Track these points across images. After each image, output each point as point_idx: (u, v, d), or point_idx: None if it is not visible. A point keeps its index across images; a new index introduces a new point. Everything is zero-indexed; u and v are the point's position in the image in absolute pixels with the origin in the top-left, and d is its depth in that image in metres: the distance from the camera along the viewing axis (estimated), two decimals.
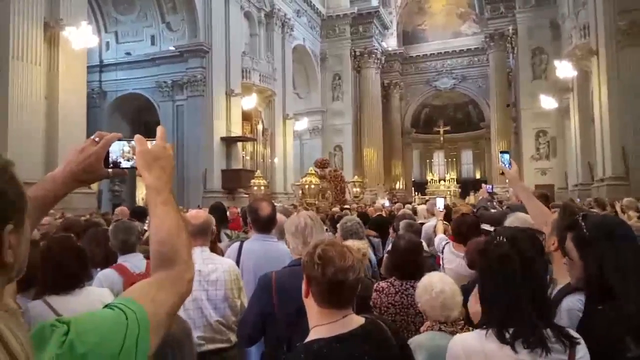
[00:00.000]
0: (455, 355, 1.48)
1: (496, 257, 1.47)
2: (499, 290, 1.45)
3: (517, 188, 2.63)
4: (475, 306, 1.81)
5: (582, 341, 1.41)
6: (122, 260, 3.19)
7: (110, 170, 1.21)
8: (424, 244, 4.63)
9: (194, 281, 2.96)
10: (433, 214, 6.39)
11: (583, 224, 1.59)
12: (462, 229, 3.85)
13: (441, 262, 4.13)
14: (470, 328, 2.34)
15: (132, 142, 1.24)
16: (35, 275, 2.12)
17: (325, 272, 1.52)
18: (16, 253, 0.79)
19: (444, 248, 4.09)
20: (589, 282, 1.55)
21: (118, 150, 1.22)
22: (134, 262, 3.20)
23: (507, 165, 2.67)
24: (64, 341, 0.76)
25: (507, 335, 1.39)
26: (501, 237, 1.50)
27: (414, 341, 2.31)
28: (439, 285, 2.35)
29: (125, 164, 1.23)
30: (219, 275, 2.92)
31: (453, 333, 2.27)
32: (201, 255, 2.93)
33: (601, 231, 1.57)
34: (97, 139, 1.17)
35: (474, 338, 1.48)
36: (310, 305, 1.59)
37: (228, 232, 5.19)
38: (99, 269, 3.19)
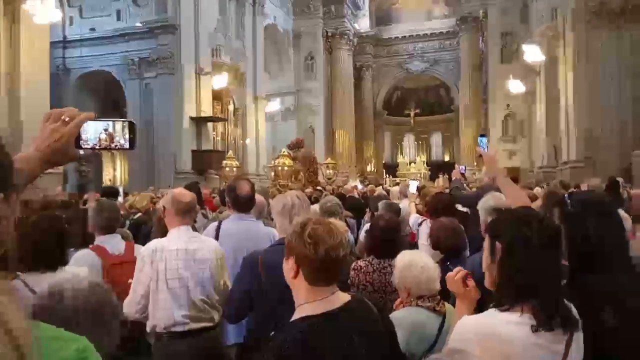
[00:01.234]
0: (465, 338, 1.42)
1: (547, 236, 1.39)
2: (534, 270, 1.37)
3: (494, 172, 2.60)
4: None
5: (579, 322, 1.41)
6: (99, 241, 3.12)
7: (81, 151, 1.18)
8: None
9: (179, 259, 2.95)
10: (406, 196, 6.49)
11: (569, 200, 1.63)
12: (438, 207, 3.93)
13: (417, 239, 4.21)
14: (446, 303, 2.40)
15: (109, 127, 1.20)
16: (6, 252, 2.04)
17: (317, 250, 1.52)
18: (4, 224, 0.77)
19: (420, 225, 4.17)
20: (572, 257, 1.60)
21: (94, 137, 1.18)
22: (113, 243, 3.13)
23: (484, 148, 2.67)
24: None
25: (528, 318, 1.36)
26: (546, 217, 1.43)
27: (392, 318, 2.36)
28: (420, 261, 2.40)
29: (98, 147, 1.20)
30: (205, 254, 2.91)
31: (430, 308, 2.32)
32: (186, 234, 2.92)
33: (584, 207, 1.62)
34: (67, 119, 1.12)
35: (487, 319, 1.42)
36: (299, 284, 1.58)
37: (204, 212, 5.15)
38: (72, 250, 3.11)
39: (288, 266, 1.59)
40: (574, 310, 1.43)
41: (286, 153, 14.09)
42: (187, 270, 2.84)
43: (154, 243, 2.91)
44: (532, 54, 19.19)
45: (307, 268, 1.55)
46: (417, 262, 2.39)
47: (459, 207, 4.81)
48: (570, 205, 1.62)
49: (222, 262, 3.01)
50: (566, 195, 1.69)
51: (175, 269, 2.81)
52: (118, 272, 2.94)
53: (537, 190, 9.64)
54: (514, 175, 11.36)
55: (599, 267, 1.54)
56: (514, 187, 2.57)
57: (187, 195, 2.98)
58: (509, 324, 1.37)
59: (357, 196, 8.74)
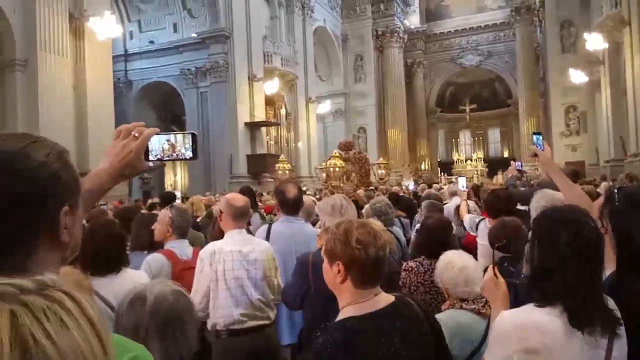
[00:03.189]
0: (505, 332, 1.41)
1: (567, 238, 1.39)
2: (564, 270, 1.38)
3: (551, 172, 2.51)
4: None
5: (622, 322, 1.39)
6: (169, 246, 3.24)
7: (150, 163, 1.26)
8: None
9: (235, 260, 3.06)
10: (455, 194, 6.33)
11: (616, 196, 1.56)
12: (495, 204, 3.80)
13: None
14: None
15: (171, 139, 1.28)
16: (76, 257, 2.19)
17: (368, 253, 1.54)
18: (71, 233, 0.85)
19: (478, 225, 4.03)
20: (619, 253, 1.52)
21: (158, 147, 1.27)
22: (182, 248, 3.25)
23: (540, 147, 2.57)
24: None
25: (565, 314, 1.35)
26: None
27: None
28: (460, 262, 2.35)
29: (165, 158, 1.29)
30: (257, 255, 3.02)
31: (474, 311, 2.26)
32: (240, 237, 3.03)
33: (630, 201, 1.53)
34: (136, 134, 1.21)
35: (525, 313, 1.42)
36: (345, 288, 1.60)
37: (262, 213, 5.32)
38: (145, 252, 3.26)
39: (333, 272, 1.60)
40: (615, 311, 1.38)
41: (337, 154, 14.11)
42: (241, 271, 2.96)
43: (212, 245, 3.03)
44: (594, 42, 18.24)
45: (357, 271, 1.56)
46: (455, 263, 2.35)
47: (517, 205, 4.65)
48: (616, 200, 1.54)
49: (274, 262, 3.12)
50: (615, 190, 1.60)
51: (231, 270, 2.93)
52: (187, 276, 3.05)
53: (604, 185, 9.11)
54: (578, 170, 10.81)
55: None
56: (572, 185, 2.48)
57: (241, 200, 3.09)
58: (548, 315, 1.36)
59: (406, 196, 8.64)
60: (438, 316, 2.30)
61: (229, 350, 2.88)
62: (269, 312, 3.04)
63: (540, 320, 1.36)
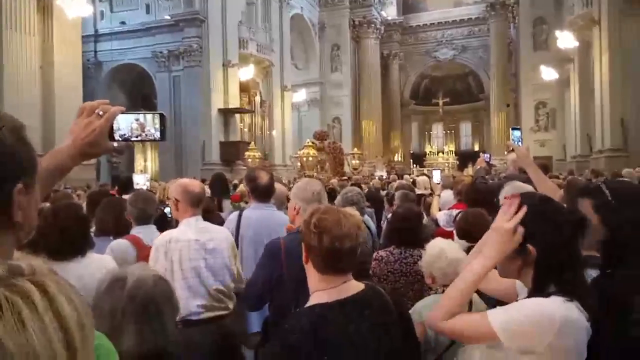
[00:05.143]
0: (551, 325, 1.31)
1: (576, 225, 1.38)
2: (573, 259, 1.38)
3: (526, 166, 2.55)
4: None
5: None
6: (135, 231, 3.16)
7: (115, 143, 1.21)
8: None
9: (192, 250, 2.94)
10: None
11: (607, 191, 1.58)
12: (474, 196, 3.83)
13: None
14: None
15: (140, 118, 1.24)
16: (37, 241, 2.12)
17: (321, 240, 1.51)
18: (26, 213, 0.79)
19: (456, 218, 4.05)
20: (606, 247, 1.56)
21: (126, 127, 1.22)
22: (148, 233, 3.15)
23: (517, 143, 2.62)
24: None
25: (578, 304, 1.34)
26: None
27: (420, 304, 2.37)
28: (450, 253, 2.36)
29: (132, 138, 1.24)
30: (216, 243, 2.90)
31: None
32: (196, 225, 2.89)
33: (627, 197, 1.57)
34: (100, 113, 1.16)
35: (565, 307, 1.34)
36: (310, 270, 1.60)
37: (233, 203, 5.23)
38: (111, 237, 3.17)
39: (303, 252, 1.62)
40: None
41: (311, 143, 14.12)
42: (200, 261, 2.84)
43: (168, 234, 2.89)
44: (565, 40, 18.64)
45: (314, 257, 1.56)
46: (446, 253, 2.35)
47: None
48: (608, 195, 1.57)
49: (234, 250, 3.02)
50: (602, 184, 1.64)
51: (188, 260, 2.81)
52: None
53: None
54: (547, 164, 11.13)
55: (634, 261, 1.49)
56: (545, 179, 2.54)
57: (197, 186, 2.97)
58: (578, 310, 1.35)
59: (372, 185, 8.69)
60: (423, 301, 2.33)
61: (184, 342, 2.79)
62: (227, 302, 2.92)
63: (580, 318, 1.33)
